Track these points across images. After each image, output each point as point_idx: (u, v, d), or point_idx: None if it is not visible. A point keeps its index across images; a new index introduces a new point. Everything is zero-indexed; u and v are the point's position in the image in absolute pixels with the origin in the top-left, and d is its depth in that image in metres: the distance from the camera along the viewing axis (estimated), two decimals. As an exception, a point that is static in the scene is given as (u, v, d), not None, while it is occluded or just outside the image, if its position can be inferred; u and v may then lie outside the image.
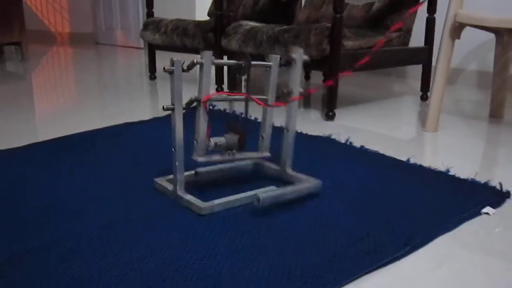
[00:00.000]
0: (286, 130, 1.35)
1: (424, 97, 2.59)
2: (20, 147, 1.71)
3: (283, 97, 1.32)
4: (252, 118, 1.96)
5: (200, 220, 1.14)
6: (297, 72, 1.31)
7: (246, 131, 1.28)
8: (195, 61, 1.18)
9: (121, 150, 1.67)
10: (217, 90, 2.72)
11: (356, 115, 2.23)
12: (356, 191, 1.31)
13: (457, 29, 1.96)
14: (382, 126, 2.05)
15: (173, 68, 1.16)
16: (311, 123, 2.07)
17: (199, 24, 2.72)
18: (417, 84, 3.21)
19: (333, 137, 1.82)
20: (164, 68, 1.16)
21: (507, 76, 2.22)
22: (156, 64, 3.26)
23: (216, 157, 1.27)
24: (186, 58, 4.19)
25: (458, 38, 2.00)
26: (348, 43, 2.12)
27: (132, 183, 1.37)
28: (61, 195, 1.29)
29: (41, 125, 2.06)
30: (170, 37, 2.84)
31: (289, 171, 1.36)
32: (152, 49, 3.12)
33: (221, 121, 1.30)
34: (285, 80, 1.35)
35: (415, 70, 3.40)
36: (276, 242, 1.04)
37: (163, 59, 4.17)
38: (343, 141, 1.77)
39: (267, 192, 1.16)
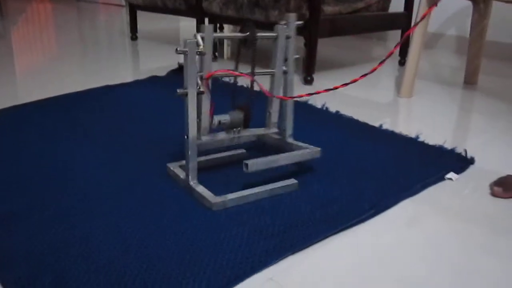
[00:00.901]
0: (285, 101, 1.31)
1: (402, 62, 2.64)
2: (2, 109, 1.73)
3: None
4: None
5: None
6: (291, 39, 1.26)
7: (251, 108, 1.23)
8: (194, 35, 1.10)
9: (104, 113, 1.70)
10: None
11: (334, 80, 2.28)
12: (329, 156, 1.37)
13: (434, -4, 2.00)
14: (358, 91, 2.11)
15: (186, 49, 1.07)
16: (290, 88, 2.11)
17: (180, -15, 2.71)
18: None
19: (310, 102, 1.87)
20: (176, 50, 1.07)
21: (483, 44, 2.27)
22: (138, 24, 3.25)
23: (221, 136, 1.22)
24: (169, 23, 4.14)
25: (436, 5, 2.04)
26: (328, 9, 2.15)
27: (115, 147, 1.42)
28: (46, 158, 1.34)
29: (22, 86, 2.08)
30: (152, -3, 2.83)
31: (290, 140, 1.33)
32: (133, 9, 3.11)
33: (226, 94, 1.27)
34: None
35: (396, 34, 3.44)
36: (253, 205, 1.10)
37: (144, 19, 4.15)
38: (319, 106, 1.82)
39: (256, 160, 1.14)
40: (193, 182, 1.15)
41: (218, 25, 3.44)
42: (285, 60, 1.28)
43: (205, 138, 1.19)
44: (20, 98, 1.89)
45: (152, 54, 2.84)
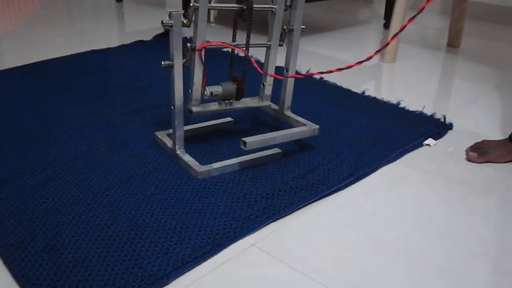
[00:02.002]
0: (286, 70, 1.29)
1: (387, 25, 2.65)
2: (-11, 75, 1.75)
3: (283, 35, 1.24)
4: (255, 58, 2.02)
5: (165, 155, 1.23)
6: (300, 8, 1.23)
7: (244, 79, 1.21)
8: (190, 5, 1.08)
9: (91, 78, 1.72)
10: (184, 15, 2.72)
11: (319, 44, 2.30)
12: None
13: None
14: (343, 56, 2.13)
15: (171, 22, 1.06)
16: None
17: None
18: (382, 8, 3.26)
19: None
20: (162, 22, 1.06)
21: (465, 7, 2.29)
22: (123, -14, 3.21)
23: (213, 107, 1.20)
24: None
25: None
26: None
27: (103, 113, 1.44)
28: (32, 124, 1.36)
29: (6, 49, 2.07)
30: (136, -41, 2.79)
31: (288, 113, 1.32)
32: (118, -30, 3.07)
33: (224, 60, 1.25)
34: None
35: (382, -5, 3.43)
36: (237, 173, 1.14)
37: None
38: (303, 72, 1.85)
39: (254, 137, 1.14)
40: (179, 151, 1.19)
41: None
42: (290, 30, 1.24)
43: (196, 109, 1.19)
44: (5, 62, 1.89)
45: (138, 16, 2.82)
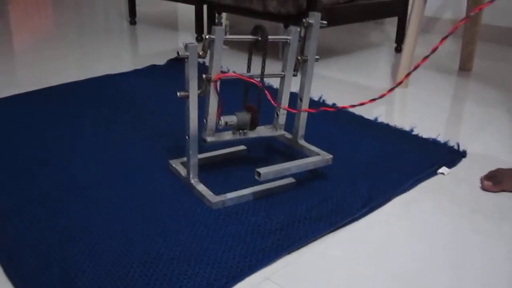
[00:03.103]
0: (300, 100, 1.30)
1: (399, 49, 2.66)
2: (3, 98, 1.77)
3: (297, 65, 1.25)
4: (269, 84, 2.03)
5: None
6: (314, 39, 1.24)
7: (259, 110, 1.21)
8: (206, 37, 1.10)
9: (105, 104, 1.73)
10: (196, 39, 2.75)
11: (331, 68, 2.31)
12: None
13: (431, -14, 2.02)
14: (355, 80, 2.13)
15: (187, 54, 1.07)
16: (287, 77, 2.14)
17: (178, -29, 2.72)
18: (394, 30, 3.27)
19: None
20: (178, 54, 1.07)
21: (477, 30, 2.29)
22: (137, 9, 3.25)
23: (227, 136, 1.21)
24: (167, 6, 4.11)
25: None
26: (325, -2, 2.17)
27: (117, 139, 1.45)
28: (47, 149, 1.37)
29: (21, 72, 2.10)
30: (150, -17, 2.83)
31: (301, 142, 1.33)
32: (131, -6, 3.11)
33: (236, 87, 1.26)
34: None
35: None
36: (251, 202, 1.15)
37: (144, 4, 4.13)
38: (316, 98, 1.85)
39: (269, 168, 1.14)
40: (193, 180, 1.19)
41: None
42: (304, 60, 1.25)
43: (210, 139, 1.19)
44: (20, 85, 1.92)
45: (151, 39, 2.85)
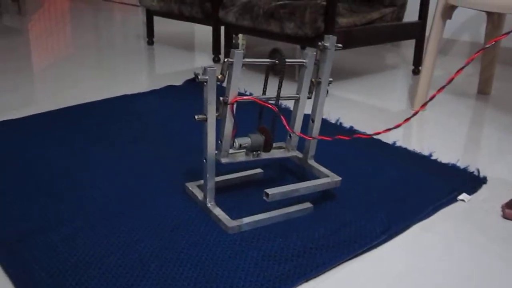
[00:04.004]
0: (312, 121, 1.31)
1: (416, 71, 2.65)
2: (21, 118, 1.78)
3: (312, 87, 1.27)
4: (285, 105, 2.03)
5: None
6: (329, 62, 1.25)
7: (273, 133, 1.23)
8: (225, 60, 1.12)
9: (122, 125, 1.74)
10: (213, 60, 2.76)
11: (348, 91, 2.30)
12: (341, 176, 1.40)
13: (449, 10, 2.01)
14: (372, 103, 2.12)
15: (206, 78, 1.09)
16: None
17: (197, -8, 2.74)
18: (410, 52, 3.26)
19: (324, 116, 1.89)
20: (197, 77, 1.08)
21: (496, 54, 2.27)
22: (154, 29, 3.28)
23: (241, 157, 1.23)
24: (184, 27, 4.16)
25: (450, 18, 2.05)
26: (342, 20, 2.17)
27: (133, 160, 1.45)
28: (63, 172, 1.38)
29: (40, 90, 2.12)
30: (168, 4, 2.86)
31: (311, 162, 1.34)
32: (150, 14, 3.14)
33: (250, 107, 1.27)
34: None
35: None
36: (268, 228, 1.13)
37: (160, 21, 4.18)
38: (333, 121, 1.84)
39: (277, 189, 1.15)
40: (210, 204, 1.19)
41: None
42: (318, 83, 1.27)
43: (224, 160, 1.20)
44: (39, 104, 1.93)
45: (168, 59, 2.87)
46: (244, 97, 1.18)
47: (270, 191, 1.14)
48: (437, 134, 1.77)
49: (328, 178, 1.25)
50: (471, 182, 1.40)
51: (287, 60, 1.19)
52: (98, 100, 2.02)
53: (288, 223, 1.16)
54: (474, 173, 1.45)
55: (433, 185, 1.36)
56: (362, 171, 1.43)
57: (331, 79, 1.28)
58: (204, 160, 1.16)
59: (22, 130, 1.67)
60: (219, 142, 1.19)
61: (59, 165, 1.42)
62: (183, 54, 3.03)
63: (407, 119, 1.22)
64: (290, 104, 1.93)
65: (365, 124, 1.82)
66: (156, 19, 3.19)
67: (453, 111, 2.05)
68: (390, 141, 1.67)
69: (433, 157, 1.56)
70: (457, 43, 3.23)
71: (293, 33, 2.16)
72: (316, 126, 1.31)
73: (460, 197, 1.32)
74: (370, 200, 1.27)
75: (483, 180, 1.41)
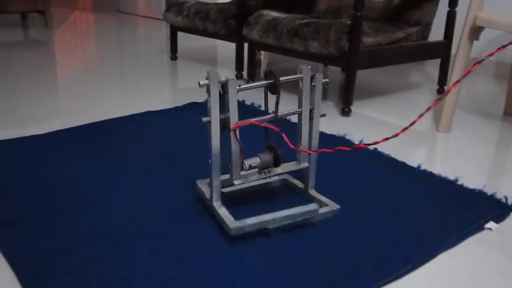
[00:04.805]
0: (309, 153, 1.34)
1: (441, 91, 2.62)
2: (45, 134, 1.79)
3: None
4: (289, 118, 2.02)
5: (216, 231, 1.22)
6: (318, 95, 1.30)
7: (279, 149, 1.26)
8: (220, 85, 1.18)
9: (147, 141, 1.74)
10: (236, 76, 2.77)
11: (372, 110, 2.28)
12: (364, 201, 1.38)
13: (476, 31, 1.98)
14: (396, 123, 2.10)
15: (208, 82, 1.15)
16: (327, 119, 2.12)
17: (221, 9, 2.75)
18: (435, 71, 3.23)
19: (347, 137, 1.87)
20: (199, 83, 1.15)
21: (524, 76, 2.24)
22: (178, 44, 3.30)
23: (253, 176, 1.26)
24: (208, 42, 4.19)
25: (477, 39, 2.02)
26: (367, 40, 2.15)
27: (159, 178, 1.45)
28: (88, 189, 1.38)
29: (63, 103, 2.14)
30: (192, 20, 2.88)
31: (312, 192, 1.37)
32: (174, 30, 3.17)
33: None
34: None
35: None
36: (287, 259, 1.12)
37: (185, 39, 4.20)
38: (357, 142, 1.82)
39: (275, 214, 1.18)
40: (216, 203, 1.24)
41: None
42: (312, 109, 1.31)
43: (237, 182, 1.25)
44: (62, 116, 1.95)
45: (191, 75, 2.88)
46: (245, 122, 1.22)
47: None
48: (462, 158, 1.74)
49: (328, 207, 1.29)
50: (498, 209, 1.37)
51: (281, 78, 1.25)
52: (122, 116, 2.03)
53: (310, 251, 1.14)
54: (502, 200, 1.41)
55: (459, 212, 1.33)
56: (385, 195, 1.41)
57: (324, 113, 1.33)
58: (209, 161, 1.21)
59: (46, 147, 1.68)
60: (229, 166, 1.23)
61: (82, 184, 1.43)
62: (206, 70, 3.03)
63: (402, 131, 1.23)
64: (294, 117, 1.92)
65: (389, 146, 1.80)
66: (180, 33, 3.21)
67: (479, 133, 2.01)
68: (414, 164, 1.64)
69: (459, 182, 1.53)
70: (483, 63, 3.19)
71: (317, 52, 2.15)
72: (314, 157, 1.35)
73: (487, 225, 1.29)
74: (393, 226, 1.25)
75: (511, 208, 1.38)
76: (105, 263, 1.07)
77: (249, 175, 1.26)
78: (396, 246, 1.16)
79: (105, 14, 6.07)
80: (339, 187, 1.45)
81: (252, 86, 1.25)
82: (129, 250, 1.11)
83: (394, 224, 1.26)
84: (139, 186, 1.42)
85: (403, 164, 1.64)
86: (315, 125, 1.32)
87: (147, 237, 1.17)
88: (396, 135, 1.26)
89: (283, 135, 1.20)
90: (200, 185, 1.33)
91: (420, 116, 1.31)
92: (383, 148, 1.78)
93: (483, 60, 1.20)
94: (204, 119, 1.19)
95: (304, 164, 1.34)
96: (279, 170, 1.29)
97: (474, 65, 1.16)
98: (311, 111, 1.31)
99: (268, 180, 1.43)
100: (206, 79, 1.15)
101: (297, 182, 1.44)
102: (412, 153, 1.76)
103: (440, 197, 1.41)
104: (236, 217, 1.19)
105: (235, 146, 1.22)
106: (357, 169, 1.58)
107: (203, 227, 1.22)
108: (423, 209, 1.34)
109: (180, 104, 2.24)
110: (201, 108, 2.17)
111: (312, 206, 1.22)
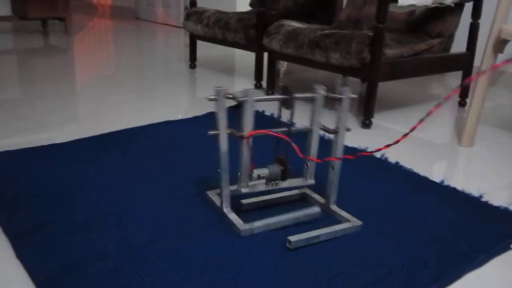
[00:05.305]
0: (332, 167, 1.34)
1: (462, 103, 2.58)
2: (64, 143, 1.80)
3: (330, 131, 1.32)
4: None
5: (240, 241, 1.20)
6: (345, 111, 1.30)
7: (288, 163, 1.30)
8: (238, 98, 1.23)
9: (165, 151, 1.74)
10: (255, 86, 2.76)
11: (393, 123, 2.25)
12: (387, 217, 1.35)
13: (501, 43, 1.95)
14: (417, 135, 2.07)
15: (216, 96, 1.20)
16: (347, 130, 2.10)
17: (241, 19, 2.75)
18: (456, 82, 3.19)
19: (369, 150, 1.85)
20: (209, 99, 1.20)
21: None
22: (197, 53, 3.31)
23: (260, 187, 1.31)
24: (226, 51, 4.19)
25: (501, 52, 1.99)
26: (389, 51, 2.13)
27: (178, 190, 1.44)
28: (107, 200, 1.37)
29: (81, 109, 2.14)
30: (212, 29, 2.88)
31: (333, 207, 1.36)
32: (193, 39, 3.17)
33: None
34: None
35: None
36: (310, 275, 1.10)
37: (203, 47, 4.21)
38: (378, 155, 1.80)
39: (299, 236, 1.19)
40: (226, 210, 1.29)
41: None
42: (335, 132, 1.32)
43: (244, 190, 1.30)
44: (79, 122, 1.95)
45: (210, 84, 2.88)
46: (259, 131, 1.27)
47: (292, 238, 1.18)
48: (486, 173, 1.71)
49: (349, 223, 1.28)
50: (525, 228, 1.33)
51: (296, 95, 1.29)
52: (141, 125, 2.03)
53: (333, 268, 1.12)
54: (528, 218, 1.38)
55: (485, 230, 1.30)
56: (408, 211, 1.38)
57: (349, 128, 1.33)
58: (219, 170, 1.27)
59: (65, 156, 1.68)
60: (239, 174, 1.28)
61: (103, 194, 1.42)
62: (225, 79, 3.03)
63: (403, 137, 1.26)
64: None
65: (411, 160, 1.77)
66: (198, 41, 3.21)
67: (503, 147, 1.98)
68: (437, 179, 1.61)
69: (483, 199, 1.49)
70: (505, 74, 3.15)
71: (338, 63, 2.13)
72: (336, 173, 1.35)
73: (514, 244, 1.26)
74: (417, 245, 1.22)
75: (538, 226, 1.35)
76: (125, 278, 1.05)
77: (256, 185, 1.31)
78: (421, 265, 1.14)
79: (124, 21, 6.11)
80: (361, 202, 1.43)
81: (267, 98, 1.33)
82: (150, 264, 1.10)
83: (418, 242, 1.23)
84: (159, 198, 1.41)
85: (425, 179, 1.61)
86: (340, 138, 1.32)
87: (169, 252, 1.15)
88: (397, 142, 1.32)
89: (294, 145, 1.25)
90: (210, 195, 1.39)
91: (420, 121, 1.37)
92: (405, 162, 1.75)
93: (484, 71, 1.22)
94: (210, 132, 1.25)
95: (311, 181, 1.38)
96: (285, 184, 1.33)
97: (477, 75, 1.18)
98: (336, 133, 1.32)
99: (287, 193, 1.43)
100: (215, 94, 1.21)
101: (317, 196, 1.42)
102: (434, 167, 1.73)
103: (464, 215, 1.38)
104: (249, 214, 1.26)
105: (246, 154, 1.26)
106: (379, 184, 1.55)
107: (224, 240, 1.20)
108: (446, 226, 1.32)
109: (199, 113, 2.24)
110: (221, 118, 2.16)
111: (315, 209, 1.29)
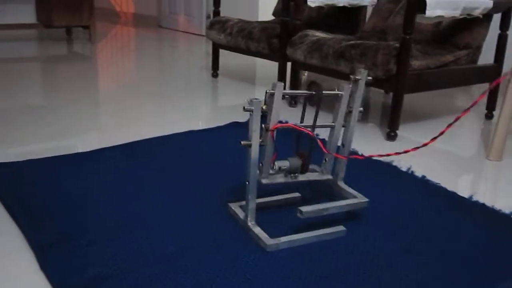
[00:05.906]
0: (342, 145, 1.42)
1: (489, 116, 2.53)
2: (87, 152, 1.79)
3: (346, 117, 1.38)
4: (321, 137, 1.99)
5: (264, 256, 1.18)
6: (359, 94, 1.36)
7: (310, 157, 1.34)
8: (267, 91, 1.24)
9: (188, 161, 1.73)
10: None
11: (418, 135, 2.22)
12: (416, 234, 1.32)
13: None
14: (443, 148, 2.03)
15: (252, 108, 1.21)
16: (371, 143, 2.07)
17: (264, 28, 2.74)
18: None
19: (394, 163, 1.81)
20: (244, 108, 1.20)
21: None
22: (220, 62, 3.30)
23: (279, 179, 1.34)
24: (247, 60, 4.18)
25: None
26: (416, 63, 2.10)
27: (201, 202, 1.42)
28: (132, 211, 1.36)
29: (104, 117, 2.14)
30: (235, 39, 2.87)
31: (340, 183, 1.43)
32: (216, 47, 3.17)
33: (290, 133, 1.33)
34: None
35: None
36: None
37: (225, 56, 4.21)
38: (404, 169, 1.76)
39: (308, 207, 1.27)
40: (251, 223, 1.29)
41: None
42: (349, 111, 1.38)
43: (265, 181, 1.31)
44: (106, 138, 1.95)
45: (232, 93, 2.87)
46: (284, 124, 1.29)
47: (303, 208, 1.26)
48: (516, 189, 1.67)
49: (356, 199, 1.35)
50: (559, 247, 1.29)
51: (324, 92, 1.30)
52: (164, 135, 2.02)
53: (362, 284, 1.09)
54: (562, 237, 1.34)
55: (517, 250, 1.27)
56: (437, 231, 1.35)
57: (361, 108, 1.39)
58: (247, 182, 1.26)
59: (89, 166, 1.68)
60: (260, 164, 1.30)
61: (127, 204, 1.41)
62: (247, 88, 3.02)
63: (431, 140, 1.28)
64: (324, 133, 1.87)
65: (439, 174, 1.74)
66: (222, 54, 3.21)
67: (533, 163, 1.93)
68: (466, 195, 1.57)
69: (514, 216, 1.45)
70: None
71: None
72: (347, 149, 1.41)
73: (548, 265, 1.22)
74: (447, 263, 1.19)
75: None
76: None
77: (276, 177, 1.33)
78: (452, 284, 1.10)
79: (147, 29, 6.15)
80: (390, 219, 1.39)
81: (295, 92, 1.42)
82: (175, 278, 1.09)
83: (448, 261, 1.20)
84: (182, 209, 1.40)
85: (453, 194, 1.57)
86: (353, 120, 1.39)
87: (193, 265, 1.14)
88: (425, 145, 1.47)
89: (318, 141, 1.28)
90: (233, 208, 1.39)
91: (449, 126, 1.48)
92: (431, 175, 1.72)
93: (492, 86, 1.23)
94: (244, 142, 1.24)
95: (327, 176, 1.42)
96: (303, 177, 1.36)
97: (484, 92, 1.19)
98: (350, 112, 1.38)
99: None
100: (249, 105, 1.21)
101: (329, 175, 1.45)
102: (462, 182, 1.70)
103: (495, 232, 1.35)
104: (270, 230, 1.27)
105: (270, 146, 1.28)
106: (407, 200, 1.52)
107: (249, 255, 1.18)
108: (478, 246, 1.28)
109: (221, 123, 2.23)
110: (243, 128, 2.14)
111: (340, 228, 1.30)
